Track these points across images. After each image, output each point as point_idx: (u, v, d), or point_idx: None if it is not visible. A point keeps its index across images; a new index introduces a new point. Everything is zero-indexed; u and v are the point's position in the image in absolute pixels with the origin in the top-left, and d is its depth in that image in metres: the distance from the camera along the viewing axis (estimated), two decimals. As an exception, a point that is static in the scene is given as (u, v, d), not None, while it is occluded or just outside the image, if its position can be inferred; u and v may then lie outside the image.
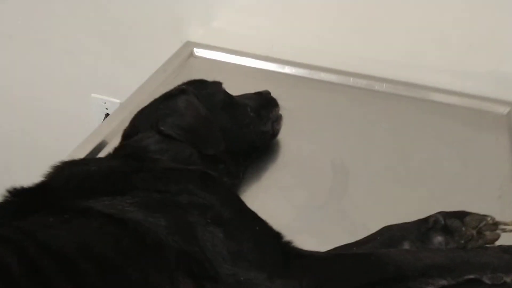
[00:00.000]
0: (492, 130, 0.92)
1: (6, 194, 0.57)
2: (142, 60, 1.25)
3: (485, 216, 0.63)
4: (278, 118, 0.83)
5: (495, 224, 0.62)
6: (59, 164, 0.62)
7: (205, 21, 1.10)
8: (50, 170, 0.61)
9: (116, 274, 0.48)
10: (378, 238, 0.64)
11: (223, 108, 0.76)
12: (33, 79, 1.42)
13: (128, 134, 0.72)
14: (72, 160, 0.64)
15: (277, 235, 0.57)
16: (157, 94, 0.77)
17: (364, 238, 0.65)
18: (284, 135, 0.84)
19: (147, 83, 1.01)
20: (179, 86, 0.77)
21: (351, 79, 1.01)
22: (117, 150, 0.69)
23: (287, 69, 1.03)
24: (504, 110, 0.96)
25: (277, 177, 0.80)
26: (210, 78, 0.81)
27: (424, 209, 0.67)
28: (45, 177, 0.61)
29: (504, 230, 0.62)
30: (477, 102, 0.98)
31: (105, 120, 0.96)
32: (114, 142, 0.82)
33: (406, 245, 0.62)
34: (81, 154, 0.81)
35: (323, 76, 1.01)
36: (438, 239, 0.62)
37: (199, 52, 1.09)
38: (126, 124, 0.84)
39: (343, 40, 1.03)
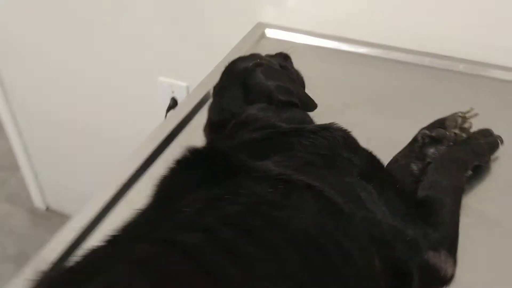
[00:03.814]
0: None
1: (187, 153, 0.57)
2: (210, 42, 1.32)
3: (455, 114, 0.76)
4: None
5: (464, 117, 0.75)
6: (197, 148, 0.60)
7: (279, 1, 1.16)
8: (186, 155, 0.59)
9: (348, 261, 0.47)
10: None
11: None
12: (101, 63, 1.53)
13: (219, 119, 0.74)
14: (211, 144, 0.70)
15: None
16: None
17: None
18: (355, 111, 0.90)
19: (218, 68, 1.05)
20: (248, 67, 0.77)
21: (427, 59, 1.05)
22: (232, 131, 0.69)
23: (362, 50, 1.08)
24: None
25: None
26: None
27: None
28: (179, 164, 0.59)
29: (471, 117, 0.76)
30: None
31: (176, 108, 0.99)
32: (187, 130, 0.88)
33: (414, 167, 0.71)
34: (150, 145, 0.84)
35: (398, 56, 1.06)
36: (431, 150, 0.72)
37: (270, 33, 1.16)
38: (199, 110, 0.93)
39: (422, 20, 1.07)
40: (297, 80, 0.84)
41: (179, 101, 1.49)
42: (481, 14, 1.03)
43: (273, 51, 1.10)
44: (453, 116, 0.76)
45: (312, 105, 0.76)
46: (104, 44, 1.49)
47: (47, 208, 2.20)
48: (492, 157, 0.79)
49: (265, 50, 1.12)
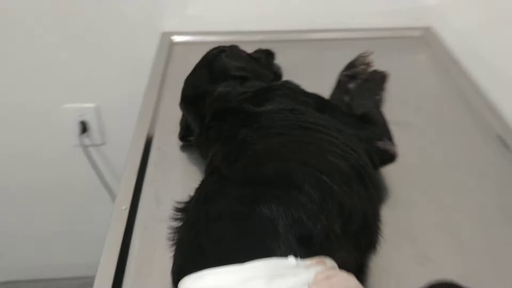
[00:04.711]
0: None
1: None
2: (115, 58, 1.43)
3: (359, 55, 1.10)
4: None
5: (365, 56, 1.09)
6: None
7: (179, 11, 1.35)
8: None
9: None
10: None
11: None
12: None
13: (194, 96, 0.93)
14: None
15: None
16: (164, 90, 1.04)
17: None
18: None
19: (150, 85, 1.18)
20: (214, 52, 1.00)
21: (313, 34, 1.39)
22: (210, 105, 0.87)
23: (259, 37, 1.35)
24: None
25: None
26: (199, 57, 1.03)
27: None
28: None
29: (369, 55, 1.08)
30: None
31: (136, 131, 1.04)
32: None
33: (345, 98, 1.03)
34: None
35: (290, 36, 1.37)
36: (352, 85, 1.06)
37: (178, 39, 1.35)
38: (157, 123, 1.06)
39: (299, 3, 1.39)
40: (270, 68, 1.11)
41: (91, 124, 1.57)
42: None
43: (186, 55, 1.29)
44: (358, 57, 1.10)
45: (267, 77, 1.01)
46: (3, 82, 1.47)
47: None
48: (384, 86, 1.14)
49: (179, 55, 1.31)
